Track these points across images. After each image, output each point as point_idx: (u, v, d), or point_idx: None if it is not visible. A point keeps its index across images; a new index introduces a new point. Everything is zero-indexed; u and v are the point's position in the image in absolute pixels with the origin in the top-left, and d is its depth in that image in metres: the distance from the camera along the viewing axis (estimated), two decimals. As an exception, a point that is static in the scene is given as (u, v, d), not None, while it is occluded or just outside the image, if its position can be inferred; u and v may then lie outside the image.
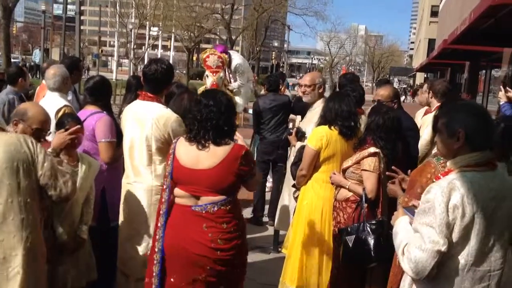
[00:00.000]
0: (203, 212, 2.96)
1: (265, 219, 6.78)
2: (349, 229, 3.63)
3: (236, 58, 6.71)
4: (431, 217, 2.18)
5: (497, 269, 2.26)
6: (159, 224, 3.05)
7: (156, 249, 3.03)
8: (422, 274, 2.19)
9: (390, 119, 3.79)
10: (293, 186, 4.57)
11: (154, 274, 3.05)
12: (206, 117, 2.98)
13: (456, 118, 2.28)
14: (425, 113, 5.49)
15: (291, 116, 6.94)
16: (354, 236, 3.56)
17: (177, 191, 3.04)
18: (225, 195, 3.00)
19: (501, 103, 5.12)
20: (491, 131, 2.33)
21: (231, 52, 6.84)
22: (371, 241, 3.47)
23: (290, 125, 6.87)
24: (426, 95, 5.35)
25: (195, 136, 3.00)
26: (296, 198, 4.47)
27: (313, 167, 4.16)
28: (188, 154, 3.00)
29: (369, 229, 3.52)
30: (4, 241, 2.54)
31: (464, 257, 2.21)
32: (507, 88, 5.10)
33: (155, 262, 3.04)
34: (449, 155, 2.33)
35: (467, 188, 2.18)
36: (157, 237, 3.05)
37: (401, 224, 2.44)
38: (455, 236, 2.19)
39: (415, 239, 2.22)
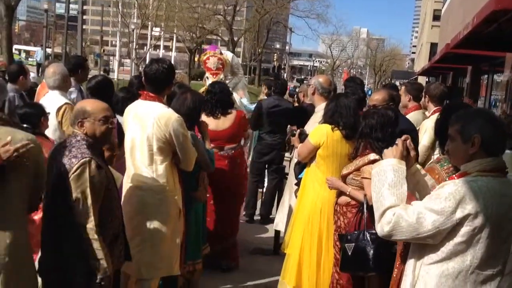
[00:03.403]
0: (226, 154, 5.04)
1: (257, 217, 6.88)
2: (349, 237, 3.59)
3: (229, 54, 6.79)
4: (434, 204, 2.21)
5: (499, 273, 2.27)
6: None
7: None
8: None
9: (381, 116, 3.74)
10: (296, 184, 4.58)
11: None
12: (216, 99, 4.96)
13: (472, 124, 2.29)
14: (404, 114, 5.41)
15: None
16: (353, 244, 3.53)
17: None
18: (236, 143, 5.12)
19: None
20: (505, 138, 2.35)
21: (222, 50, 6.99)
22: (370, 251, 3.44)
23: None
24: (405, 98, 5.33)
25: (210, 111, 4.94)
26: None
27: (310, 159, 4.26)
28: (210, 123, 4.59)
29: (369, 238, 3.48)
30: None
31: (470, 259, 2.22)
32: None
33: None
34: (462, 161, 2.34)
35: (483, 194, 2.19)
36: None
37: (392, 165, 2.41)
38: (463, 238, 2.20)
39: (407, 210, 2.25)
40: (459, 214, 2.17)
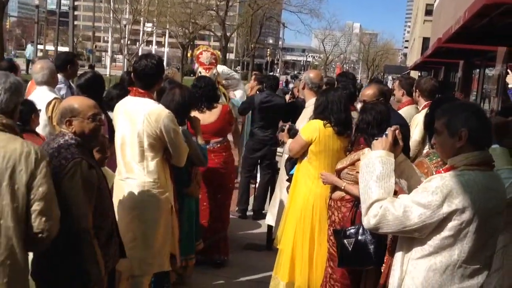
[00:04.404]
0: (212, 148, 5.00)
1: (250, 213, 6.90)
2: (347, 232, 3.58)
3: (220, 67, 6.78)
4: (420, 198, 2.21)
5: (485, 267, 2.28)
6: None
7: None
8: (374, 230, 2.33)
9: (379, 113, 3.75)
10: (288, 180, 4.58)
11: None
12: (201, 94, 4.97)
13: (458, 117, 2.28)
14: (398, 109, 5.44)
15: None
16: (353, 239, 3.52)
17: None
18: (222, 137, 5.14)
19: (510, 86, 5.06)
20: (491, 131, 2.35)
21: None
22: (372, 245, 3.44)
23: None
24: (399, 92, 5.35)
25: (195, 105, 4.76)
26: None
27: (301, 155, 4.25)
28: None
29: (368, 232, 3.47)
30: None
31: (457, 253, 2.23)
32: None
33: None
34: (449, 154, 2.33)
35: (470, 188, 2.19)
36: None
37: (380, 156, 2.40)
38: (450, 233, 2.20)
39: (394, 203, 2.25)
40: (446, 208, 2.17)
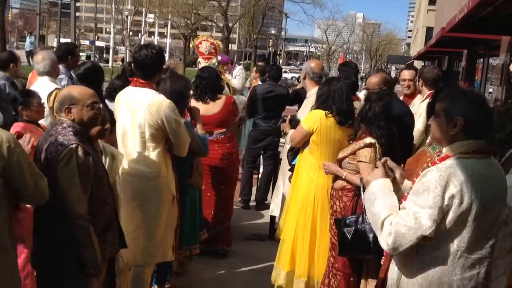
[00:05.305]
0: (216, 139, 5.05)
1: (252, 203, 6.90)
2: (347, 221, 3.57)
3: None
4: (424, 199, 2.17)
5: (487, 256, 2.25)
6: None
7: None
8: (395, 251, 2.22)
9: (386, 105, 3.74)
10: (290, 170, 4.57)
11: None
12: (205, 85, 5.02)
13: (456, 105, 2.26)
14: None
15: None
16: (353, 228, 3.51)
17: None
18: (225, 128, 5.14)
19: None
20: (490, 122, 2.32)
21: None
22: (371, 234, 3.43)
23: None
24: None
25: (199, 96, 5.00)
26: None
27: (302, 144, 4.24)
28: (200, 108, 4.39)
29: (368, 221, 3.47)
30: None
31: (457, 243, 2.20)
32: None
33: None
34: (443, 140, 2.31)
35: (467, 175, 2.16)
36: None
37: (380, 186, 2.41)
38: (449, 222, 2.18)
39: (402, 215, 2.21)
40: (446, 199, 2.15)
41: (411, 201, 2.23)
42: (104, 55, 45.74)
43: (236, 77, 7.79)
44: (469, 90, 2.44)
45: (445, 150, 2.30)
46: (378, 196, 2.37)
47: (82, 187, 2.65)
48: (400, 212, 2.24)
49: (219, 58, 6.90)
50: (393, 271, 2.40)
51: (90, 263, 2.70)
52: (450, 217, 2.17)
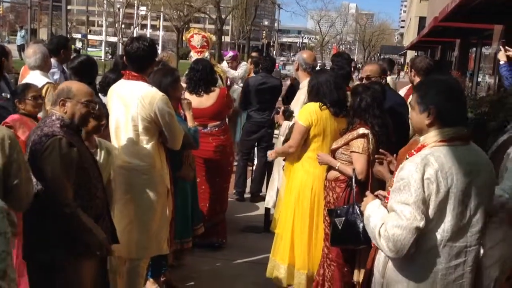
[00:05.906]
0: (210, 131, 5.07)
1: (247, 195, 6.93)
2: (338, 211, 3.59)
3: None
4: (407, 194, 2.17)
5: (473, 244, 2.25)
6: None
7: None
8: (401, 253, 2.20)
9: (376, 92, 3.74)
10: (284, 160, 4.56)
11: None
12: (198, 77, 5.01)
13: (428, 94, 2.28)
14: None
15: None
16: (343, 218, 3.53)
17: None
18: (219, 120, 5.13)
19: (500, 63, 5.00)
20: (463, 108, 2.36)
21: None
22: (360, 224, 3.44)
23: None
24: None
25: (193, 89, 5.00)
26: None
27: (302, 144, 4.14)
28: (193, 101, 4.45)
29: (358, 211, 3.46)
30: None
31: (440, 233, 2.20)
32: (507, 47, 4.98)
33: None
34: (421, 130, 2.33)
35: (441, 163, 2.17)
36: None
37: (371, 207, 2.45)
38: (430, 212, 2.18)
39: (392, 218, 2.22)
40: (426, 189, 2.16)
41: (396, 200, 2.22)
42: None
43: (240, 67, 7.85)
44: (442, 77, 2.44)
45: (422, 140, 2.32)
46: (371, 215, 2.40)
47: (65, 176, 2.66)
48: (389, 216, 2.24)
49: (231, 54, 6.95)
50: (379, 260, 2.42)
51: (94, 246, 2.75)
52: (431, 206, 2.18)
